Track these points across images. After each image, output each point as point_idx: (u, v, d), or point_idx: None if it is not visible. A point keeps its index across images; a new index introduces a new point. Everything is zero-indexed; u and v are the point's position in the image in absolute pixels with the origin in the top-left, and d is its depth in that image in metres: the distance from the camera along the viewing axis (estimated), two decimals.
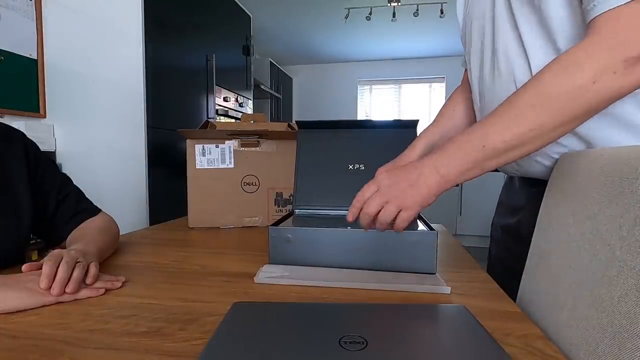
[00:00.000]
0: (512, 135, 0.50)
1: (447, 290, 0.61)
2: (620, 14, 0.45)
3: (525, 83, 0.51)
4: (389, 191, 0.56)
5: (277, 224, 0.77)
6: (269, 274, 0.67)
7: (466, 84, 0.89)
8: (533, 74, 0.59)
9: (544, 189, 0.68)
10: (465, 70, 0.90)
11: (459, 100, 0.87)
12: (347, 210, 0.62)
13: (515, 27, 0.61)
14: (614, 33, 0.46)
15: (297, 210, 0.94)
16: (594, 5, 0.47)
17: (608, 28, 0.46)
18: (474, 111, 0.85)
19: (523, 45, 0.61)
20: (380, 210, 0.58)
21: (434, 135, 0.82)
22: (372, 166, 0.73)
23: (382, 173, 0.58)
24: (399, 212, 0.56)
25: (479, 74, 0.73)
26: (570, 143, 0.61)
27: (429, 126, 0.87)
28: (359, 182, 0.69)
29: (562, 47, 0.56)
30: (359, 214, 0.60)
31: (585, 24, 0.52)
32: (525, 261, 0.72)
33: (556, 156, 0.63)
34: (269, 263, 0.73)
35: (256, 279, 0.65)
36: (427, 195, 0.55)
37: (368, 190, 0.58)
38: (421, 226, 0.79)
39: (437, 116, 0.90)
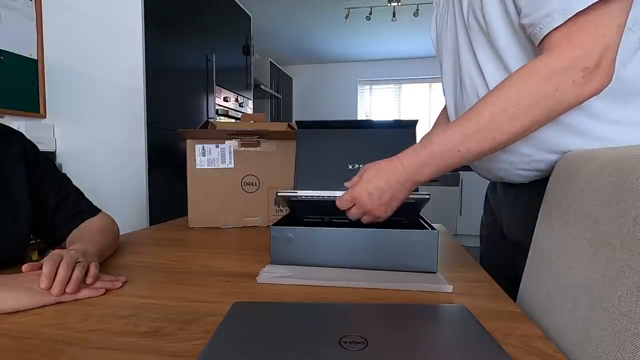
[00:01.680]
0: (485, 140, 0.55)
1: (449, 288, 0.61)
2: (569, 31, 0.51)
3: (493, 91, 0.56)
4: (365, 207, 0.63)
5: (278, 224, 0.77)
6: (272, 274, 0.67)
7: None
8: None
9: (520, 189, 0.73)
10: None
11: None
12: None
13: (473, 51, 0.68)
14: (569, 47, 0.51)
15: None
16: (540, 28, 0.53)
17: (562, 43, 0.51)
18: None
19: (480, 67, 0.67)
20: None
21: None
22: None
23: (360, 193, 0.63)
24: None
25: (453, 92, 0.78)
26: (534, 153, 0.65)
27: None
28: None
29: (511, 66, 0.62)
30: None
31: (529, 46, 0.59)
32: (508, 255, 0.77)
33: (523, 165, 0.68)
34: (271, 263, 0.73)
35: (259, 279, 0.65)
36: (397, 206, 0.64)
37: (345, 206, 0.65)
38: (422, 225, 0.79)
39: (436, 122, 0.93)
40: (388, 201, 0.62)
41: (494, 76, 0.65)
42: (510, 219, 0.79)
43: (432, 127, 0.93)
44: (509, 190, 0.78)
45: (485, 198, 0.92)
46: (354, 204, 0.65)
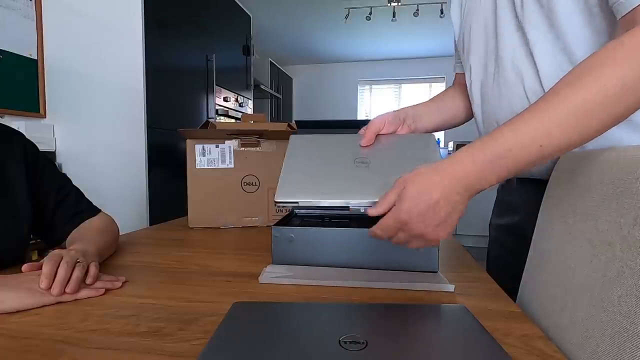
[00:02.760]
0: (575, 130, 0.45)
1: (451, 287, 0.61)
2: None
3: (579, 72, 0.46)
4: (416, 232, 0.49)
5: (279, 224, 0.77)
6: (273, 274, 0.67)
7: (459, 86, 0.90)
8: (542, 81, 0.60)
9: (543, 187, 0.68)
10: (456, 73, 0.92)
11: (456, 96, 0.88)
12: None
13: (522, 33, 0.61)
14: None
15: (297, 211, 0.94)
16: None
17: None
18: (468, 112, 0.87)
19: (531, 52, 0.60)
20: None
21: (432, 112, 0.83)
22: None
23: (409, 216, 0.48)
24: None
25: (482, 80, 0.73)
26: None
27: (430, 104, 0.86)
28: None
29: (572, 47, 0.55)
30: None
31: (601, 25, 0.52)
32: (518, 254, 0.72)
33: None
34: (273, 263, 0.73)
35: (261, 279, 0.65)
36: (454, 225, 0.49)
37: (390, 233, 0.51)
38: None
39: (436, 98, 0.89)
40: (444, 218, 0.48)
41: (549, 59, 0.58)
42: (530, 217, 0.73)
43: (422, 105, 0.83)
44: (531, 189, 0.73)
45: (497, 197, 0.89)
46: (400, 229, 0.50)
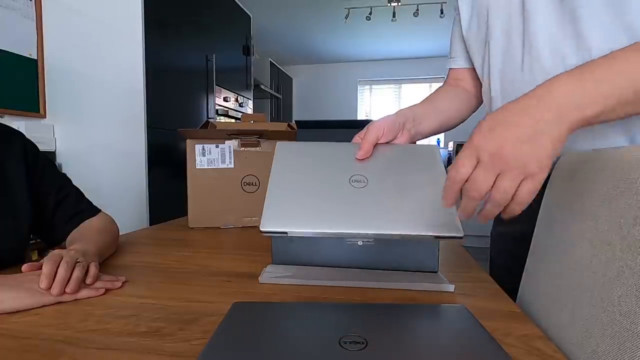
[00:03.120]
0: None
1: (451, 287, 0.61)
2: None
3: None
4: (498, 160, 0.40)
5: None
6: (273, 274, 0.67)
7: (450, 86, 0.88)
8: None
9: (542, 191, 0.66)
10: (451, 69, 0.88)
11: (450, 97, 0.86)
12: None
13: (563, 10, 0.57)
14: None
15: None
16: None
17: None
18: (464, 112, 0.85)
19: (577, 31, 0.56)
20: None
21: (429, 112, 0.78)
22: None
23: (478, 135, 0.42)
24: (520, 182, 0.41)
25: (502, 68, 0.69)
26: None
27: (425, 104, 0.81)
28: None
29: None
30: (462, 199, 0.45)
31: None
32: (519, 255, 0.70)
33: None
34: (273, 263, 0.73)
35: (260, 279, 0.65)
36: (552, 149, 0.40)
37: (464, 164, 0.42)
38: None
39: (430, 99, 0.84)
40: (529, 136, 0.39)
41: (603, 37, 0.54)
42: (532, 222, 0.71)
43: (420, 107, 0.78)
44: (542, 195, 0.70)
45: None
46: (478, 162, 0.42)
